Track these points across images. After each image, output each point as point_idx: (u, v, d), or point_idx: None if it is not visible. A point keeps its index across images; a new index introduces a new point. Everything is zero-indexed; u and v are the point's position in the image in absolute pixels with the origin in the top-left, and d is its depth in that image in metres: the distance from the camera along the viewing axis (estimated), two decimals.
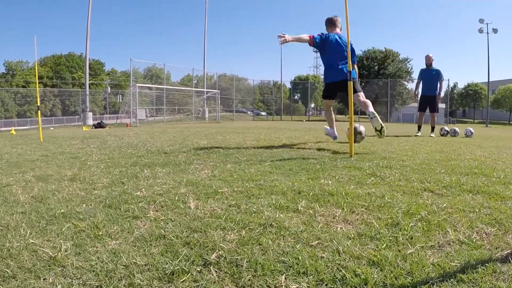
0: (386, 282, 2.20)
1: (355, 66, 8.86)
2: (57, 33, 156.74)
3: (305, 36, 8.37)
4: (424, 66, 14.74)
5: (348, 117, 7.03)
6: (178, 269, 2.34)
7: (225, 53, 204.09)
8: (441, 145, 9.00)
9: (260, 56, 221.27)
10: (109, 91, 76.38)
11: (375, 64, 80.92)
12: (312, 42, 8.35)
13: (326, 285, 2.20)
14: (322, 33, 8.59)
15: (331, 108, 9.52)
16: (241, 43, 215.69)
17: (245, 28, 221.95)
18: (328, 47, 8.59)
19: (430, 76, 14.45)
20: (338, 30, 8.87)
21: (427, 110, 14.66)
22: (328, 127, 9.49)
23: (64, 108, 69.20)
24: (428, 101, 14.52)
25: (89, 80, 50.85)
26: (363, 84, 70.09)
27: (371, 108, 8.05)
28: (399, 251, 2.53)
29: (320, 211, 3.31)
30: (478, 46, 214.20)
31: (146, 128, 20.80)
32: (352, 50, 8.46)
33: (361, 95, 8.56)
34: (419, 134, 14.37)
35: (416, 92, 15.20)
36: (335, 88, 8.85)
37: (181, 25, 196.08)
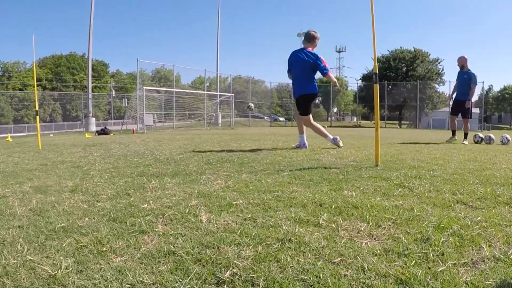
0: None
1: (329, 75, 10.06)
2: (57, 31, 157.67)
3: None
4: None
5: (374, 123, 7.03)
6: None
7: (240, 53, 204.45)
8: (475, 153, 8.95)
9: (278, 57, 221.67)
10: (113, 95, 76.54)
11: (403, 65, 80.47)
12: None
13: None
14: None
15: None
16: (258, 43, 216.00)
17: (262, 27, 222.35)
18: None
19: (462, 80, 14.55)
20: (310, 47, 10.07)
21: (460, 115, 14.71)
22: (330, 137, 10.48)
23: (65, 113, 69.47)
24: (459, 106, 14.58)
25: (92, 83, 51.20)
26: (389, 87, 69.82)
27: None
28: (429, 268, 2.53)
29: (343, 225, 3.32)
30: None
31: (154, 135, 20.87)
32: (319, 65, 9.79)
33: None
34: (452, 139, 14.38)
35: (451, 96, 15.36)
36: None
37: (193, 22, 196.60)
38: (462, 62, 14.60)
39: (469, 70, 14.51)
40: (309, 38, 9.93)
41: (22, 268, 2.64)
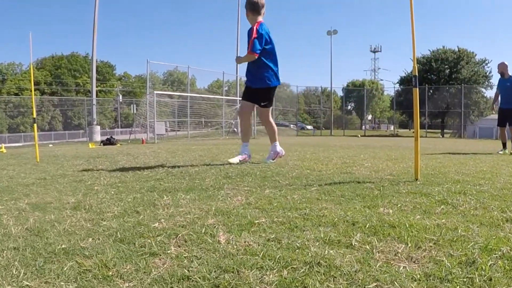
0: None
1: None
2: (57, 29, 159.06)
3: (251, 56, 8.94)
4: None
5: (413, 132, 7.02)
6: None
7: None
8: None
9: (305, 58, 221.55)
10: (120, 100, 77.13)
11: (446, 66, 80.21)
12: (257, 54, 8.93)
13: None
14: (261, 35, 8.90)
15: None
16: (283, 43, 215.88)
17: (287, 25, 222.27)
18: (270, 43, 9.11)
19: (505, 87, 14.84)
20: (261, 18, 9.19)
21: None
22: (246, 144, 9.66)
23: (66, 120, 70.05)
24: (506, 115, 14.76)
25: (97, 87, 51.42)
26: (431, 91, 69.49)
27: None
28: None
29: (379, 246, 3.30)
30: None
31: (166, 145, 20.97)
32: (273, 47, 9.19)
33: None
34: (502, 152, 14.40)
35: (494, 105, 15.56)
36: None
37: (209, 19, 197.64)
38: (502, 69, 14.85)
39: (511, 76, 14.64)
40: (256, 9, 9.09)
41: None
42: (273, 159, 9.37)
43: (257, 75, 9.11)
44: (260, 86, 9.14)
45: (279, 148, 9.49)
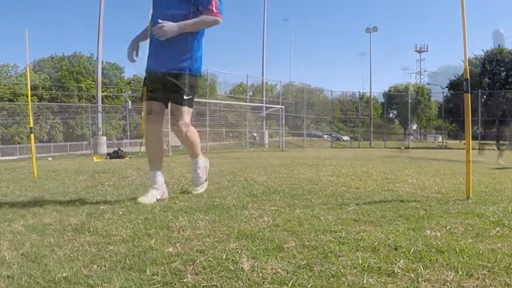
0: None
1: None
2: (57, 26, 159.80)
3: (214, 19, 6.84)
4: None
5: (465, 144, 6.98)
6: None
7: (293, 56, 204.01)
8: None
9: (340, 59, 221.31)
10: (130, 107, 77.20)
11: (502, 68, 79.40)
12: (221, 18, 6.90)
13: None
14: None
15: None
16: (314, 43, 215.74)
17: (318, 20, 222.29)
18: None
19: None
20: None
21: None
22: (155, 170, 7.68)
23: (67, 130, 70.32)
24: None
25: (102, 92, 51.61)
26: (485, 97, 68.94)
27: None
28: None
29: (425, 274, 3.28)
30: None
31: (181, 158, 20.99)
32: None
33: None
34: None
35: None
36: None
37: (231, 15, 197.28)
38: None
39: None
40: None
41: None
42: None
43: (183, 55, 7.00)
44: (184, 72, 7.01)
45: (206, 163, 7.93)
